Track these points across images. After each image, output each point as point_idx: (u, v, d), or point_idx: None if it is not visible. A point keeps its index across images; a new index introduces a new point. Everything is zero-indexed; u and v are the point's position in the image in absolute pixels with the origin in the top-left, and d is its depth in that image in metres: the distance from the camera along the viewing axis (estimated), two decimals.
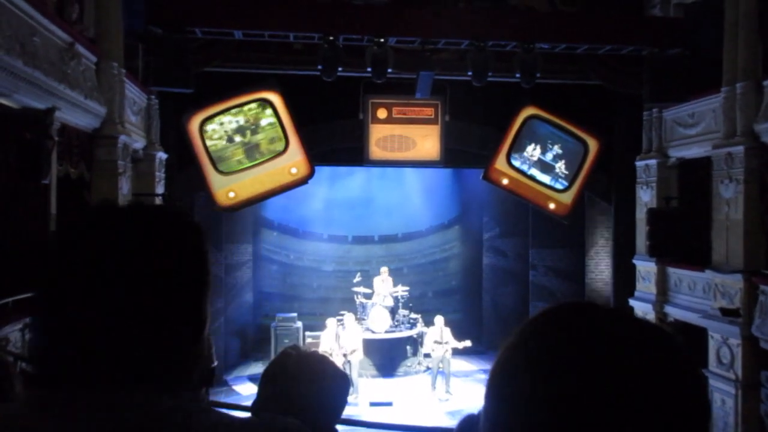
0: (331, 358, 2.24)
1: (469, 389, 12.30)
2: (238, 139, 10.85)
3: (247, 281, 15.00)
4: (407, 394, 12.15)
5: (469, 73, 10.10)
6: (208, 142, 10.68)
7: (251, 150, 10.89)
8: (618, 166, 12.16)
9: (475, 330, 14.77)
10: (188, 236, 0.95)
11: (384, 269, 14.09)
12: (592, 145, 11.54)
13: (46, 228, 5.99)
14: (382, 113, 11.87)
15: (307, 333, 13.42)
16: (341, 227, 15.90)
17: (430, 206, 15.98)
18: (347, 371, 11.72)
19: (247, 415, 1.89)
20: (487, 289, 15.58)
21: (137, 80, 9.60)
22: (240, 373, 13.47)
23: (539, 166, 11.67)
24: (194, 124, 10.61)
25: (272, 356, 11.10)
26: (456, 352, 12.15)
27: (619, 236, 12.27)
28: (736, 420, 8.74)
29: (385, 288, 13.74)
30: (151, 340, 0.89)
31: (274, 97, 10.84)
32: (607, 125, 11.91)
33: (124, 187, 8.58)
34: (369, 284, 13.91)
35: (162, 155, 10.44)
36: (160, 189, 10.27)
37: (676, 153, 11.01)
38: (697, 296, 10.14)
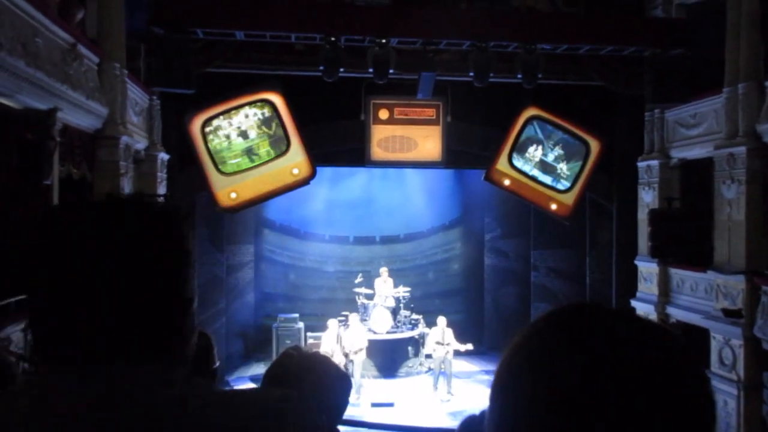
0: (332, 359, 2.25)
1: (470, 390, 12.29)
2: (239, 139, 10.86)
3: (249, 282, 15.00)
4: (409, 395, 12.14)
5: (471, 74, 10.11)
6: (210, 143, 10.69)
7: (253, 151, 10.90)
8: (619, 166, 12.15)
9: (477, 331, 14.77)
10: (165, 220, 1.00)
11: (384, 270, 14.08)
12: (594, 145, 11.54)
13: None
14: (383, 114, 11.88)
15: (309, 334, 13.42)
16: (343, 228, 15.89)
17: (431, 207, 15.97)
18: (350, 371, 11.76)
19: None
20: (488, 290, 15.57)
21: (139, 81, 9.61)
22: (242, 374, 13.47)
23: (541, 166, 11.67)
24: (196, 125, 10.63)
25: (274, 357, 11.08)
26: (457, 353, 12.15)
27: (620, 237, 12.25)
28: (738, 421, 8.73)
29: (385, 289, 13.74)
30: (139, 317, 0.93)
31: (276, 98, 10.85)
32: (608, 126, 11.91)
33: (126, 188, 8.58)
34: (370, 285, 13.91)
35: (164, 156, 10.44)
36: (161, 189, 10.28)
37: (678, 154, 11.00)
38: (699, 297, 10.13)
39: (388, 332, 13.24)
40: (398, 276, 14.49)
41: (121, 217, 0.96)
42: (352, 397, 9.13)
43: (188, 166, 10.96)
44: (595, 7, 11.16)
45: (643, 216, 11.48)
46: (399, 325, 13.58)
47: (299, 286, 15.71)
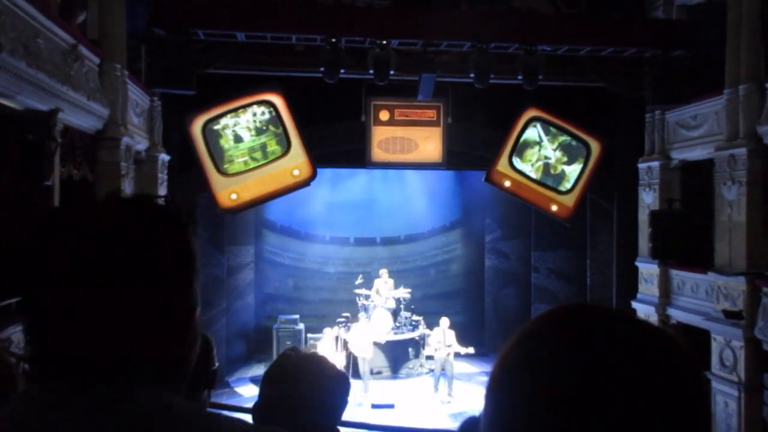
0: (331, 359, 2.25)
1: (471, 391, 12.28)
2: (240, 141, 10.86)
3: (249, 283, 15.00)
4: (409, 396, 12.13)
5: (472, 75, 10.11)
6: (211, 144, 10.70)
7: (253, 152, 10.91)
8: (620, 168, 12.15)
9: (477, 332, 14.76)
10: (169, 224, 0.95)
11: (384, 271, 14.08)
12: (595, 147, 11.54)
13: None
14: (384, 115, 11.88)
15: (309, 335, 13.43)
16: (343, 229, 15.90)
17: (432, 208, 15.97)
18: (361, 369, 11.85)
19: (248, 417, 1.90)
20: (489, 291, 15.56)
21: (140, 82, 9.62)
22: (242, 375, 13.47)
23: (541, 168, 11.67)
24: (197, 126, 10.64)
25: (274, 358, 11.09)
26: (458, 354, 12.14)
27: (621, 238, 12.25)
28: (739, 422, 8.72)
29: (385, 290, 13.74)
30: (141, 325, 0.88)
31: (277, 99, 10.86)
32: (609, 127, 11.91)
33: (127, 189, 8.59)
34: (371, 286, 13.91)
35: (164, 157, 10.45)
36: (162, 191, 10.29)
37: (679, 155, 11.00)
38: (699, 298, 10.12)
39: (388, 333, 13.25)
40: (399, 277, 14.48)
41: (123, 219, 0.92)
42: (360, 397, 9.09)
43: (189, 167, 10.96)
44: (596, 9, 11.16)
45: (643, 217, 11.47)
46: (399, 326, 13.58)
47: (300, 288, 15.71)
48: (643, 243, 11.38)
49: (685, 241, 10.17)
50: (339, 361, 11.52)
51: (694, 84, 10.13)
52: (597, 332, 0.72)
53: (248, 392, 12.20)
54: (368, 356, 12.00)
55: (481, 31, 9.97)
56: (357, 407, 10.78)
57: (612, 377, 0.68)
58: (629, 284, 11.93)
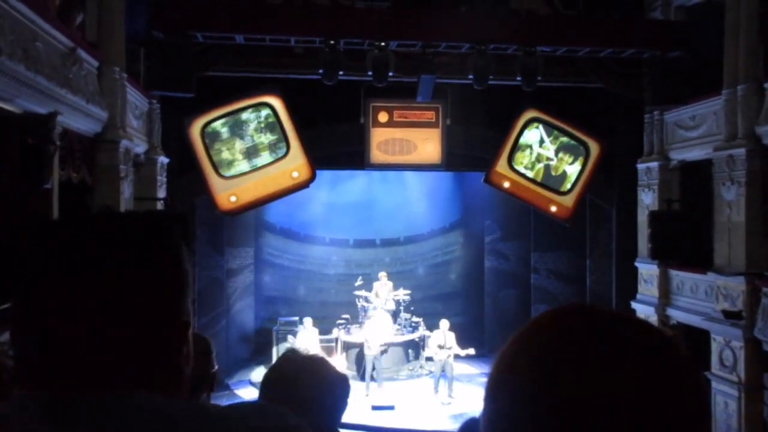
0: (330, 359, 2.25)
1: (471, 393, 12.27)
2: (239, 143, 10.86)
3: (249, 285, 15.00)
4: (409, 398, 12.13)
5: (470, 77, 10.11)
6: (209, 146, 10.69)
7: (253, 154, 10.91)
8: (619, 168, 12.16)
9: (477, 333, 14.76)
10: (160, 240, 0.95)
11: (383, 274, 14.07)
12: (594, 147, 11.55)
13: None
14: (383, 117, 11.88)
15: None
16: (343, 231, 15.90)
17: (431, 209, 15.98)
18: (376, 369, 12.01)
19: None
20: (488, 293, 15.56)
21: (139, 84, 9.62)
22: (242, 377, 13.46)
23: (540, 169, 11.67)
24: (195, 128, 10.64)
25: (274, 360, 11.09)
26: (458, 355, 12.14)
27: (620, 239, 12.25)
28: (739, 423, 8.72)
29: (384, 292, 13.74)
30: (134, 340, 0.89)
31: (276, 101, 10.86)
32: (608, 128, 11.92)
33: (126, 192, 8.59)
34: (371, 288, 13.91)
35: (163, 159, 10.45)
36: (161, 193, 10.29)
37: (678, 155, 11.01)
38: (699, 299, 10.12)
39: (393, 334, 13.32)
40: (398, 278, 14.49)
41: (115, 235, 0.92)
42: (369, 397, 9.14)
43: (188, 170, 10.96)
44: (595, 10, 11.18)
45: (642, 218, 11.48)
46: (399, 327, 13.57)
47: (299, 289, 15.71)
48: (643, 243, 11.38)
49: (685, 242, 10.17)
50: (323, 355, 11.58)
51: (693, 84, 10.14)
52: (596, 333, 0.73)
53: (248, 395, 12.19)
54: (375, 352, 12.11)
55: (479, 33, 9.98)
56: (360, 407, 10.78)
57: (611, 378, 0.68)
58: (629, 285, 11.93)
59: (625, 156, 12.00)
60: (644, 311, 11.05)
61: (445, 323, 12.18)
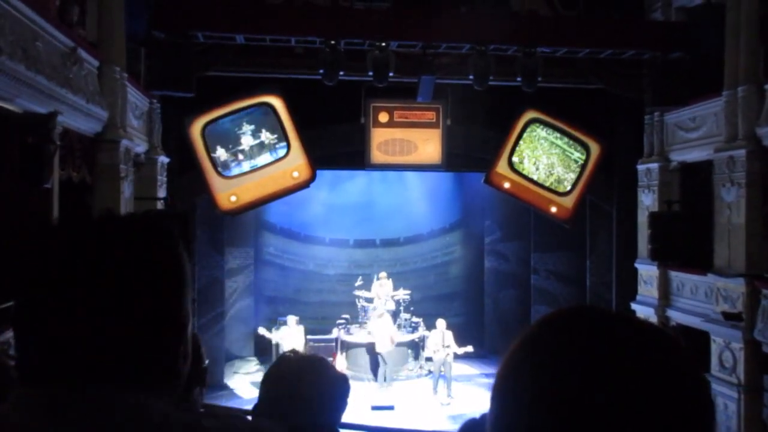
0: (329, 359, 2.25)
1: (470, 393, 12.27)
2: (239, 143, 10.86)
3: (249, 285, 15.00)
4: (409, 398, 12.13)
5: (471, 77, 10.12)
6: (210, 146, 10.69)
7: (253, 154, 10.91)
8: (619, 169, 12.16)
9: (477, 334, 14.75)
10: (160, 240, 0.96)
11: (383, 274, 14.07)
12: (594, 148, 11.55)
13: None
14: (383, 117, 11.88)
15: (309, 337, 13.39)
16: (343, 231, 15.89)
17: (431, 210, 15.97)
18: (384, 368, 12.09)
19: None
20: (488, 293, 15.56)
21: (139, 84, 9.62)
22: (242, 378, 13.46)
23: (541, 169, 11.67)
24: (196, 128, 10.64)
25: (274, 360, 11.08)
26: (457, 355, 12.15)
27: (620, 240, 12.25)
28: (739, 424, 8.72)
29: (384, 293, 13.74)
30: (134, 340, 0.90)
31: (276, 101, 10.86)
32: (608, 129, 11.92)
33: (126, 191, 8.59)
34: (371, 288, 13.91)
35: (164, 159, 10.45)
36: (161, 193, 10.29)
37: (678, 156, 11.01)
38: (699, 300, 10.12)
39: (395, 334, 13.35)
40: (398, 279, 14.48)
41: (115, 236, 0.93)
42: (376, 397, 9.16)
43: (188, 170, 10.96)
44: (595, 10, 11.18)
45: (642, 219, 11.48)
46: (399, 328, 13.57)
47: (299, 290, 15.69)
48: (643, 244, 11.38)
49: (685, 243, 10.17)
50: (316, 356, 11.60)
51: (693, 85, 10.14)
52: (597, 334, 0.73)
53: (248, 394, 12.20)
54: (386, 348, 12.15)
55: (480, 33, 9.99)
56: (360, 407, 10.78)
57: (613, 378, 0.69)
58: (629, 286, 11.93)
59: (625, 157, 12.00)
60: (644, 312, 11.05)
61: (441, 323, 12.19)
